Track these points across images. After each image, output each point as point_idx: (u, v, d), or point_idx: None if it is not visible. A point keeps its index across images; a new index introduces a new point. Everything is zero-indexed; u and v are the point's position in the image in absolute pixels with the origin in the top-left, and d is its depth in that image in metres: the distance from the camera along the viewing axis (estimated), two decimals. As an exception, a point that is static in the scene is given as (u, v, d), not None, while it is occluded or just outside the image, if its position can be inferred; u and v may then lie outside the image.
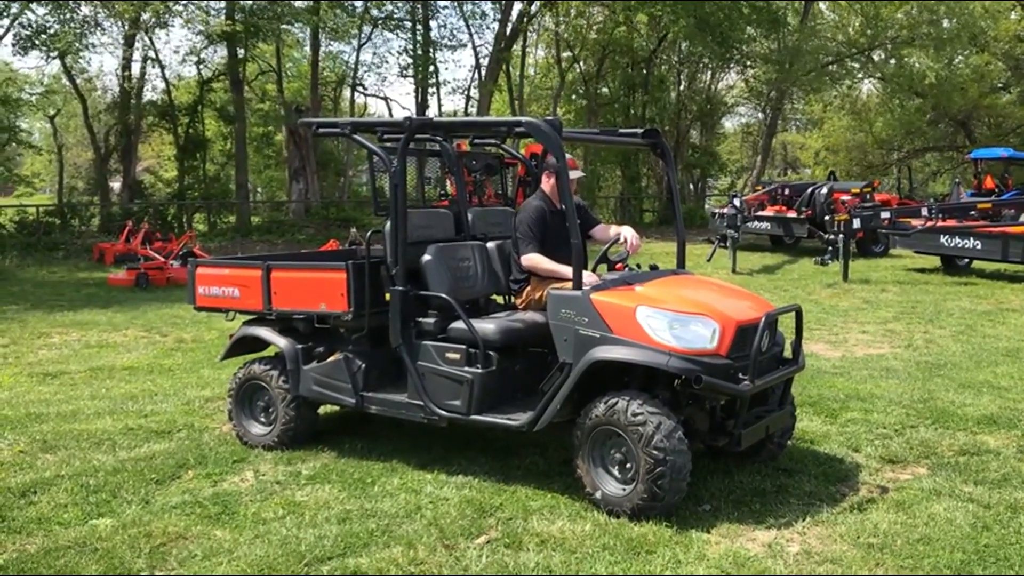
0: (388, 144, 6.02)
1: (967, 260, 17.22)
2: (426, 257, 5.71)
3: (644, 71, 33.96)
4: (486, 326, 5.40)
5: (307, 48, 32.23)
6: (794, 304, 5.60)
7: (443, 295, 5.56)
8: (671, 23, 28.92)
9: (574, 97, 35.78)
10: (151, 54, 30.07)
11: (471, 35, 35.44)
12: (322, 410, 6.51)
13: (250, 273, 6.14)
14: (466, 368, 5.31)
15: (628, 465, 4.79)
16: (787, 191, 22.15)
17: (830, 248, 15.85)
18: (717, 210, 21.61)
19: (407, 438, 6.21)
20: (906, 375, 8.16)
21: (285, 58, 33.73)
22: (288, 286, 5.98)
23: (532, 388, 5.33)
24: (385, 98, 66.24)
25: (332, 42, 32.96)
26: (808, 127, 47.65)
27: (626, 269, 5.67)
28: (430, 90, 33.17)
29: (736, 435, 4.93)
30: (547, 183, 5.92)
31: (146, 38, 28.78)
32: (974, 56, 36.27)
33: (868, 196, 19.80)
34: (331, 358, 5.91)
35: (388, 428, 6.42)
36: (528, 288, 5.80)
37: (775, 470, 5.50)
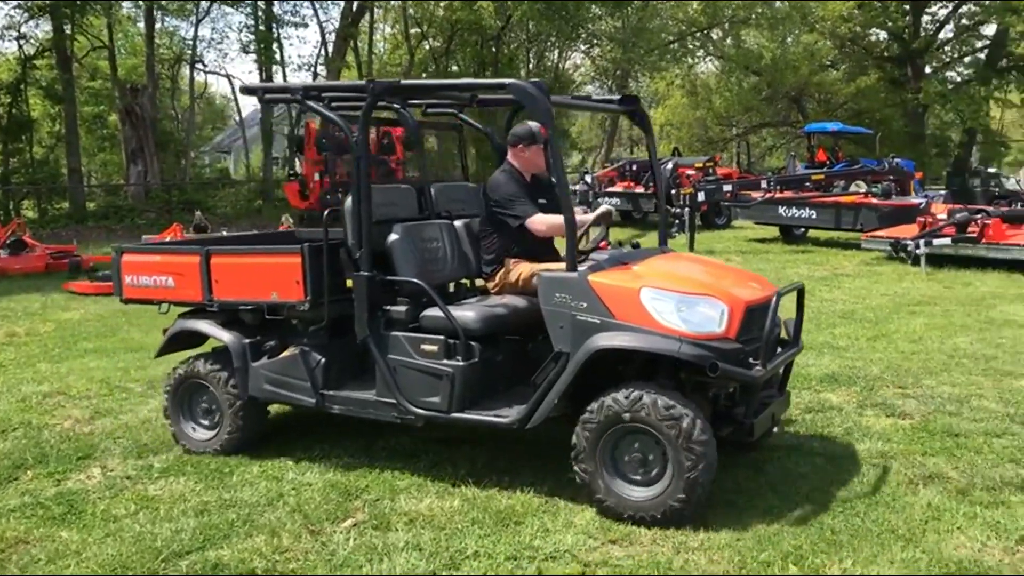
0: (341, 112, 5.47)
1: (803, 229, 18.16)
2: (393, 237, 5.15)
3: (493, 49, 34.04)
4: (465, 314, 4.90)
5: (141, 23, 30.62)
6: (798, 283, 5.35)
7: (415, 280, 5.02)
8: (515, 6, 29.09)
9: (424, 75, 35.47)
10: (-35, 28, 27.85)
11: (316, 11, 34.50)
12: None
13: (186, 260, 5.52)
14: (445, 361, 4.80)
15: (650, 465, 4.39)
16: (635, 167, 22.74)
17: (676, 221, 16.39)
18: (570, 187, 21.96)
19: (265, 424, 6.00)
20: (753, 339, 8.49)
21: (118, 33, 31.91)
22: (232, 273, 5.36)
23: (513, 380, 5.00)
24: (227, 75, 63.82)
25: (168, 17, 31.44)
26: (652, 104, 49.01)
27: (608, 247, 5.29)
28: (275, 67, 32.15)
29: (748, 424, 4.64)
30: (519, 156, 5.39)
31: (-41, 11, 26.63)
32: (805, 35, 38.15)
33: (710, 170, 20.59)
34: (284, 353, 5.34)
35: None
36: (502, 271, 5.36)
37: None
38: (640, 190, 21.16)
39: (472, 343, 4.83)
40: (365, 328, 4.98)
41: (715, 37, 37.98)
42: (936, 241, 13.33)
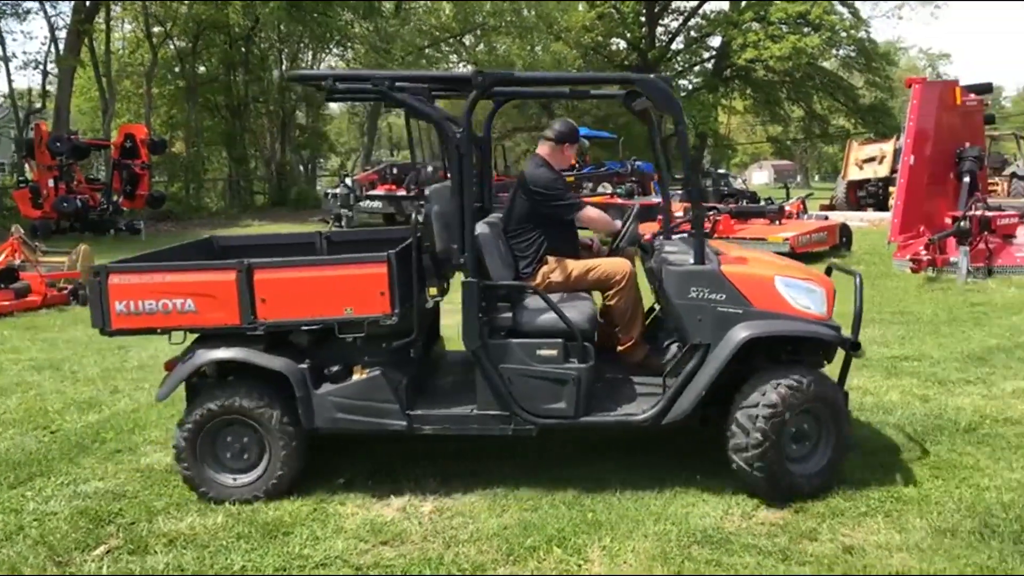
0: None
1: (557, 228, 18.92)
2: (482, 240, 4.88)
3: (243, 49, 32.92)
4: (574, 314, 4.77)
5: None
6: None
7: (526, 284, 4.94)
8: (262, 6, 28.33)
9: (169, 75, 33.70)
10: None
11: (43, 4, 31.71)
12: None
13: (216, 277, 4.66)
14: (567, 365, 4.66)
15: (809, 444, 4.67)
16: (396, 170, 22.80)
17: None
18: (330, 190, 21.67)
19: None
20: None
21: None
22: (287, 290, 4.63)
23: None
24: (-62, 73, 57.35)
25: None
26: (410, 108, 49.32)
27: (653, 239, 5.61)
28: (-4, 64, 29.33)
29: (845, 394, 4.92)
30: (561, 153, 5.42)
31: None
32: (553, 44, 39.86)
33: (469, 173, 20.98)
34: (358, 375, 4.78)
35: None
36: (544, 268, 5.23)
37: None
38: (402, 192, 21.23)
39: (586, 344, 4.73)
40: (476, 338, 4.65)
41: (468, 43, 38.84)
42: (675, 236, 14.42)
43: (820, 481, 4.62)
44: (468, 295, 4.64)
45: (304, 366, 4.71)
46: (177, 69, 33.17)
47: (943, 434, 5.52)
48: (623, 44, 43.09)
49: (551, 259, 5.26)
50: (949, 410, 6.03)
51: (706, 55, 43.73)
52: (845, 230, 16.10)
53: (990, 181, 21.16)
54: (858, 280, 4.97)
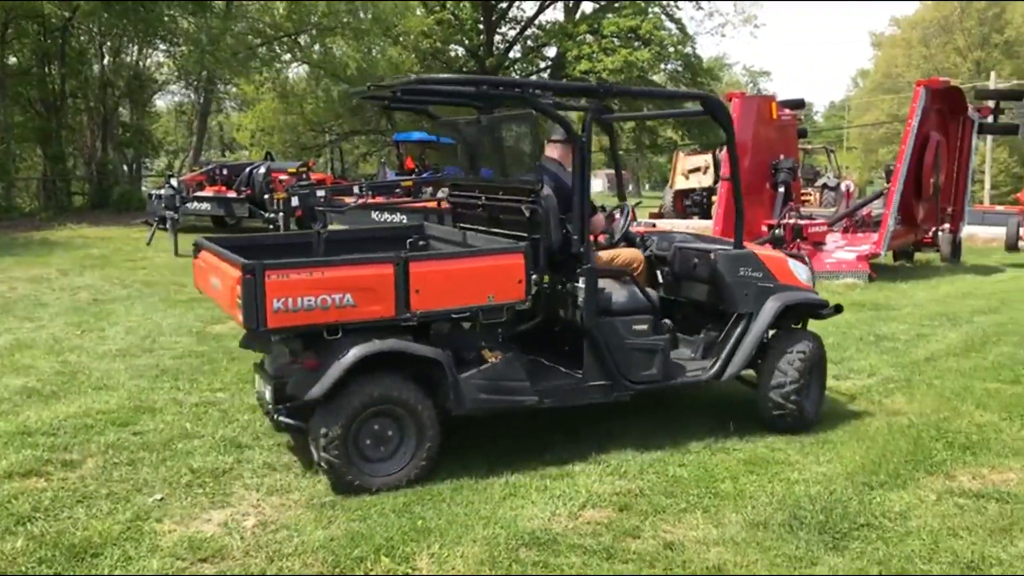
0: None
1: (394, 233, 18.82)
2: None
3: (60, 41, 30.96)
4: (652, 293, 5.64)
5: None
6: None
7: (624, 269, 5.67)
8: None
9: (-25, 65, 31.23)
10: None
11: None
12: None
13: (375, 271, 4.78)
14: (654, 337, 5.47)
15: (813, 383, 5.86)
16: (226, 171, 22.02)
17: (271, 227, 16.20)
18: (154, 191, 20.66)
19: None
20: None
21: None
22: (439, 280, 4.91)
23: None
24: None
25: None
26: (243, 108, 47.80)
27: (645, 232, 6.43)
28: None
29: None
30: (565, 151, 5.80)
31: None
32: (390, 49, 39.56)
33: (304, 175, 20.60)
34: (494, 358, 5.13)
35: None
36: None
37: (231, 446, 5.43)
38: (232, 195, 20.51)
39: (664, 318, 5.63)
40: (594, 317, 5.25)
41: (303, 43, 38.00)
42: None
43: (817, 413, 5.90)
44: (589, 281, 5.23)
45: (448, 353, 4.99)
46: (-16, 59, 30.81)
47: (758, 431, 5.81)
48: (462, 51, 43.29)
49: None
50: (764, 408, 6.35)
51: (543, 64, 44.52)
52: (672, 237, 16.74)
53: (803, 192, 22.60)
54: (807, 261, 6.45)
